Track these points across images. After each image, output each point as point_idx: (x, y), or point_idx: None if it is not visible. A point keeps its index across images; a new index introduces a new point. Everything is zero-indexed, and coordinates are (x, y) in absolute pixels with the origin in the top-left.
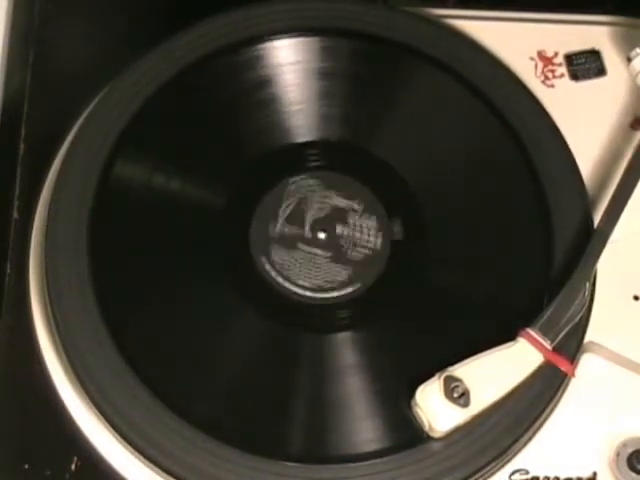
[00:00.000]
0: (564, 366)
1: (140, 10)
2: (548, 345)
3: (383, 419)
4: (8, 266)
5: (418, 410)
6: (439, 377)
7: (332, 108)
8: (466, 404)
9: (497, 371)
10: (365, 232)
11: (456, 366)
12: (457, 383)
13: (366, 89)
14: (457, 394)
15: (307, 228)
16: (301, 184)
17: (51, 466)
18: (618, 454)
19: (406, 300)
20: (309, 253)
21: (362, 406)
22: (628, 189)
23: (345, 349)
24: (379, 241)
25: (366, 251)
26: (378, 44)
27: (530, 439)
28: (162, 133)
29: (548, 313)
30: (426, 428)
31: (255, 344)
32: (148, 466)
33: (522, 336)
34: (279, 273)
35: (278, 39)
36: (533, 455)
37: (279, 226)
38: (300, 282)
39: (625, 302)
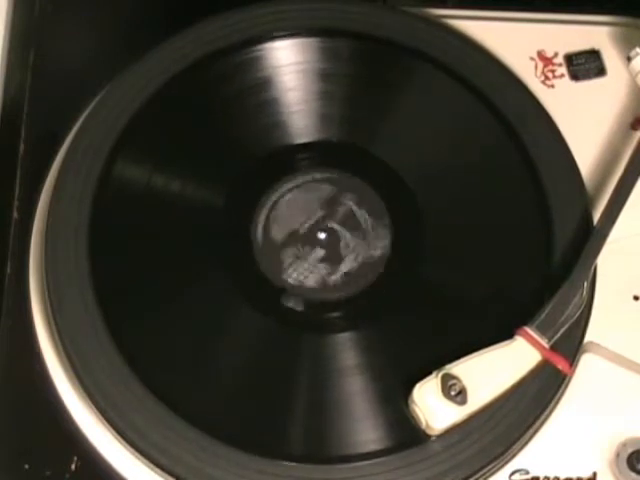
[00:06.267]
0: (561, 364)
1: (140, 10)
2: (545, 343)
3: (383, 419)
4: (8, 266)
5: (415, 407)
6: (436, 375)
7: (332, 109)
8: (463, 402)
9: (494, 369)
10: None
11: (454, 364)
12: (454, 381)
13: (366, 89)
14: (454, 392)
15: (307, 228)
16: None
17: (51, 466)
18: (618, 454)
19: (406, 300)
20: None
21: (362, 406)
22: (627, 189)
23: (345, 349)
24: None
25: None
26: (378, 44)
27: (530, 439)
28: (162, 133)
29: (546, 312)
30: (423, 426)
31: (255, 344)
32: (148, 466)
33: (520, 334)
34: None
35: (278, 40)
36: (533, 455)
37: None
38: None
39: (625, 302)
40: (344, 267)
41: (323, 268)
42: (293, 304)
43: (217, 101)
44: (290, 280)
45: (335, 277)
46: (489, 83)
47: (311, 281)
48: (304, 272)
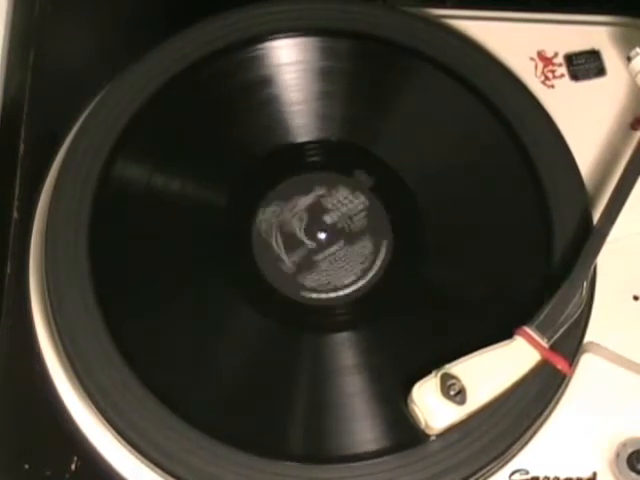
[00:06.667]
0: (560, 364)
1: (140, 10)
2: (545, 343)
3: (383, 419)
4: (8, 266)
5: (414, 407)
6: (436, 374)
7: (332, 108)
8: (462, 402)
9: (494, 369)
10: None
11: (453, 363)
12: (453, 381)
13: (366, 89)
14: (453, 392)
15: (308, 228)
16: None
17: (51, 466)
18: (618, 454)
19: (405, 299)
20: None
21: (362, 406)
22: (627, 188)
23: (345, 349)
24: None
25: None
26: (378, 44)
27: (530, 439)
28: (162, 133)
29: (545, 312)
30: (422, 425)
31: (255, 344)
32: (148, 466)
33: (519, 334)
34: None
35: (278, 39)
36: (533, 455)
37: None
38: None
39: (625, 302)
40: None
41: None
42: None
43: (217, 101)
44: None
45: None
46: (489, 83)
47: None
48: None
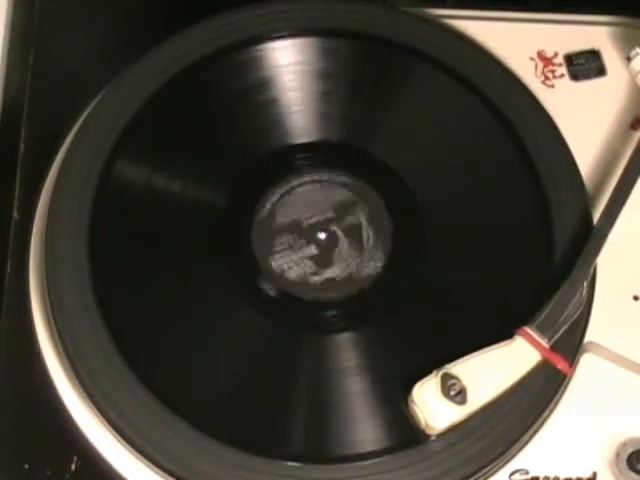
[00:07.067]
0: (561, 364)
1: (140, 10)
2: (545, 343)
3: (383, 419)
4: (8, 266)
5: (415, 407)
6: (436, 374)
7: (332, 109)
8: (463, 402)
9: (494, 369)
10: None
11: (453, 363)
12: (454, 381)
13: (366, 89)
14: (454, 392)
15: (308, 228)
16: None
17: (51, 466)
18: (618, 454)
19: (406, 300)
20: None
21: (362, 406)
22: (627, 189)
23: (345, 349)
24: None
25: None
26: (378, 44)
27: (530, 439)
28: (162, 133)
29: (545, 312)
30: (422, 425)
31: (255, 344)
32: (148, 466)
33: (519, 334)
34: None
35: (278, 40)
36: (533, 455)
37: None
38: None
39: (625, 302)
40: (329, 272)
41: (310, 266)
42: (267, 288)
43: (217, 101)
44: (274, 264)
45: (318, 278)
46: (489, 83)
47: (293, 274)
48: (290, 263)
